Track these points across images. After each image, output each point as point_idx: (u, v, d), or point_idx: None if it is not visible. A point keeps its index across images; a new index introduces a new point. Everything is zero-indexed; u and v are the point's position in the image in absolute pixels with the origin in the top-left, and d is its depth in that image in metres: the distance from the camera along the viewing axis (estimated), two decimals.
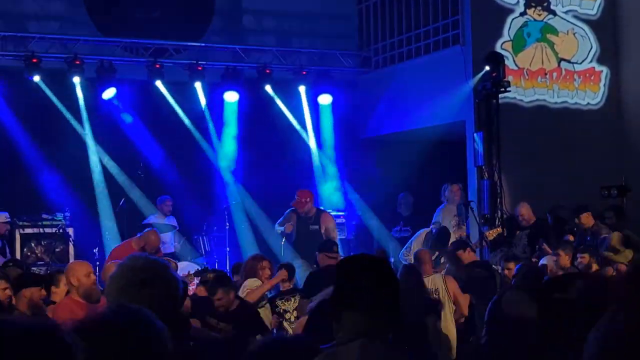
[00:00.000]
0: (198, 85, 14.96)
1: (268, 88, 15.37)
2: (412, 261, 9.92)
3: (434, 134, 14.44)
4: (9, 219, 12.43)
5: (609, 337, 2.44)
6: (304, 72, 15.58)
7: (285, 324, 9.16)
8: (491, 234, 12.08)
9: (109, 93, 14.25)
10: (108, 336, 2.15)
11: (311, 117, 15.75)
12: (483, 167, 13.59)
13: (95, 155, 14.38)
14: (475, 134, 13.69)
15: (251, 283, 9.10)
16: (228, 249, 14.10)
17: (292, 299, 9.30)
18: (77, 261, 8.75)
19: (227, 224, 14.37)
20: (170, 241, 13.46)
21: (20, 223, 12.90)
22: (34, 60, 13.61)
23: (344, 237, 14.61)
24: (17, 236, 12.83)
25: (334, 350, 2.91)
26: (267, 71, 15.34)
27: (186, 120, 15.03)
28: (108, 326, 2.18)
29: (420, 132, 14.76)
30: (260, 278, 9.16)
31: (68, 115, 14.16)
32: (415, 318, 8.40)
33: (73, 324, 2.20)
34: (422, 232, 12.10)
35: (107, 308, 2.35)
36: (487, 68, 13.56)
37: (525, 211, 12.41)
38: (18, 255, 12.43)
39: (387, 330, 2.94)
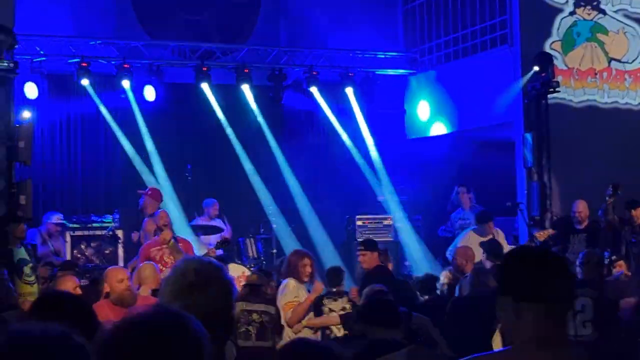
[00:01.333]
0: (245, 87, 14.99)
1: (314, 90, 15.37)
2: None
3: (482, 135, 14.33)
4: (62, 220, 12.54)
5: None
6: (351, 74, 15.55)
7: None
8: (542, 235, 11.93)
9: (149, 94, 14.36)
10: (139, 338, 2.12)
11: (358, 118, 15.69)
12: (532, 168, 13.46)
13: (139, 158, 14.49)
14: (524, 135, 13.56)
15: (290, 288, 8.94)
16: (274, 250, 14.12)
17: (340, 300, 9.27)
18: (112, 267, 8.78)
19: (275, 225, 14.38)
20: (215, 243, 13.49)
21: (71, 225, 13.03)
22: (84, 64, 13.75)
23: (391, 239, 14.58)
24: (68, 238, 12.95)
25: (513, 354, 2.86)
26: (314, 73, 15.34)
27: (228, 122, 15.05)
28: (140, 328, 2.16)
29: (468, 133, 14.66)
30: (301, 276, 9.04)
31: (108, 118, 14.26)
32: None
33: (107, 324, 2.19)
34: (469, 232, 12.03)
35: (143, 310, 2.33)
36: (536, 68, 13.44)
37: (582, 208, 12.20)
38: (68, 257, 12.56)
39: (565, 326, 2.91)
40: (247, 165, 15.08)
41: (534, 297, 2.80)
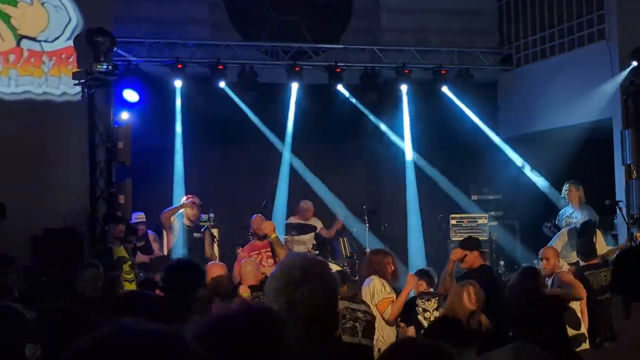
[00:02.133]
0: (340, 87, 15.04)
1: (403, 88, 15.33)
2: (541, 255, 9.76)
3: (579, 132, 14.03)
4: (143, 219, 12.70)
5: None
6: (444, 72, 15.44)
7: (424, 322, 9.18)
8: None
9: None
10: (226, 335, 2.14)
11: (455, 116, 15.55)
12: (631, 165, 13.15)
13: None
14: (622, 132, 13.25)
15: (379, 285, 8.90)
16: (367, 250, 14.10)
17: (433, 300, 9.22)
18: (212, 262, 9.02)
19: (367, 225, 14.39)
20: (311, 241, 13.58)
21: None
22: (179, 66, 13.99)
23: (485, 238, 14.41)
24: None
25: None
26: (406, 71, 15.28)
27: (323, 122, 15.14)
28: (228, 325, 2.18)
29: (564, 130, 14.37)
30: (387, 275, 9.00)
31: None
32: None
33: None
34: (564, 230, 11.82)
35: (232, 307, 2.35)
36: (635, 63, 13.13)
37: None
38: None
39: None
40: (340, 163, 15.14)
41: None
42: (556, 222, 12.88)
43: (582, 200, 12.54)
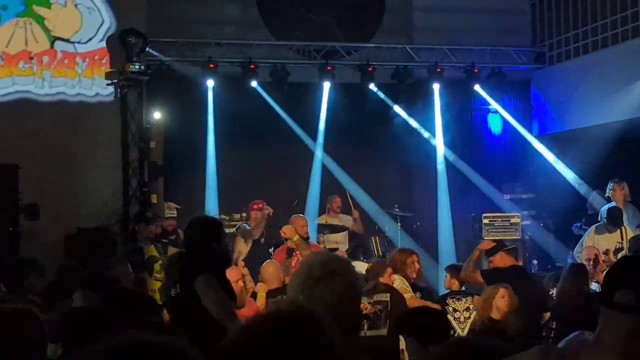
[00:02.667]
0: (372, 86, 15.02)
1: (436, 86, 15.27)
2: (582, 259, 9.62)
3: (614, 131, 13.87)
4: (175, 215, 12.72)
5: None
6: (476, 70, 15.36)
7: (454, 322, 9.10)
8: None
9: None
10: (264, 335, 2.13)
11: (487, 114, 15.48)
12: None
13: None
14: None
15: (398, 282, 8.82)
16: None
17: (464, 299, 9.14)
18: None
19: (399, 224, 14.35)
20: (344, 241, 13.53)
21: None
22: (211, 66, 14.04)
23: (518, 237, 14.28)
24: None
25: None
26: (438, 70, 15.22)
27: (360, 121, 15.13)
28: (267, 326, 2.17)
29: (600, 128, 14.21)
30: (409, 273, 8.92)
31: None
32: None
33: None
34: (593, 228, 11.66)
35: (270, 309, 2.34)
36: None
37: None
38: None
39: None
40: (372, 162, 15.11)
41: None
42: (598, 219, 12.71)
43: (627, 198, 12.37)
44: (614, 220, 11.28)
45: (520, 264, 10.38)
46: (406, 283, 8.77)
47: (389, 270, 8.53)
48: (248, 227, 11.66)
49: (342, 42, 15.47)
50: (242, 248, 11.59)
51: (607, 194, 12.49)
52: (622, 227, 11.35)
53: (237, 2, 15.43)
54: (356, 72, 15.01)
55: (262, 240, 11.96)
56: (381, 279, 8.29)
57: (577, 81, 15.00)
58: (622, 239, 11.15)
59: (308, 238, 10.96)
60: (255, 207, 12.04)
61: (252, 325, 2.18)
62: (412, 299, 8.47)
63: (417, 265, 8.96)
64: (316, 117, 15.02)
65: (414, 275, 8.92)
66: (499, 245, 9.54)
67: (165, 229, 11.73)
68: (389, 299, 7.91)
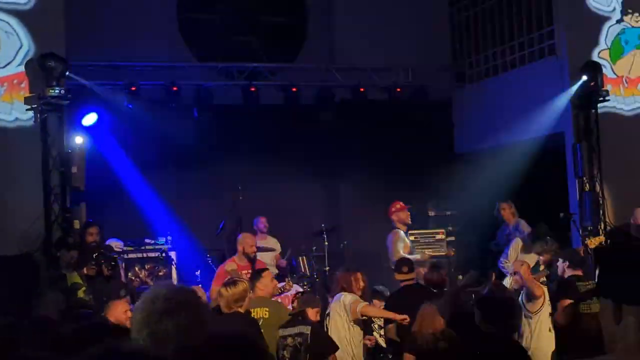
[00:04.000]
0: (292, 107, 15.10)
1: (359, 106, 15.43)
2: (511, 270, 9.81)
3: (532, 147, 14.20)
4: (122, 248, 12.67)
5: None
6: (399, 89, 15.56)
7: (374, 333, 9.34)
8: (593, 242, 11.73)
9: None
10: None
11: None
12: (584, 178, 13.32)
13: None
14: (574, 145, 13.43)
15: (349, 296, 8.95)
16: (327, 268, 14.13)
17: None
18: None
19: (326, 243, 14.41)
20: (272, 263, 13.54)
21: (125, 248, 13.19)
22: (133, 89, 13.96)
23: (444, 253, 14.48)
24: (120, 271, 13.09)
25: None
26: (361, 90, 15.38)
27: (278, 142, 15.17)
28: None
29: (518, 145, 14.54)
30: (355, 291, 9.04)
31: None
32: None
33: None
34: (518, 240, 11.93)
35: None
36: (585, 78, 13.33)
37: None
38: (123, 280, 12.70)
39: None
40: (297, 184, 15.16)
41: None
42: (497, 241, 13.09)
43: (516, 215, 12.80)
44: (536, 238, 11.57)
45: (445, 280, 10.58)
46: (356, 297, 8.88)
47: (319, 309, 8.64)
48: None
49: (266, 63, 15.53)
50: None
51: (495, 214, 12.90)
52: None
53: (158, 24, 15.37)
54: (280, 93, 15.07)
55: None
56: (309, 311, 8.41)
57: (496, 99, 15.32)
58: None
59: (255, 257, 10.99)
60: None
61: None
62: (366, 307, 8.78)
63: (361, 284, 9.08)
64: (241, 139, 15.02)
65: (359, 293, 9.04)
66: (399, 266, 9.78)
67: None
68: (309, 332, 8.01)
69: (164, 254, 13.18)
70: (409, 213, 12.76)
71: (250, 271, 10.28)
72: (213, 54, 15.50)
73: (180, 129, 14.33)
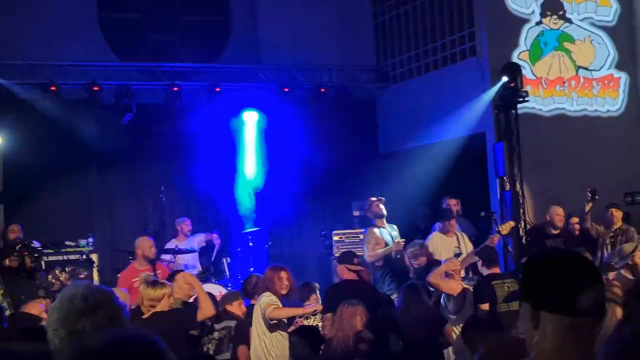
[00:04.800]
0: (217, 106, 15.00)
1: (287, 105, 15.41)
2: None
3: (454, 147, 14.37)
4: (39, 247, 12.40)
5: (617, 349, 2.43)
6: (323, 90, 15.59)
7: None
8: (505, 229, 11.90)
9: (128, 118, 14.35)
10: None
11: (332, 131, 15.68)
12: (504, 178, 13.53)
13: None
14: (495, 145, 13.64)
15: (265, 299, 8.87)
16: (252, 269, 14.08)
17: (313, 317, 9.36)
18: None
19: (251, 243, 14.37)
20: (194, 263, 13.46)
21: (45, 251, 12.94)
22: (53, 88, 13.70)
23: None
24: (42, 264, 12.86)
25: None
26: (286, 89, 15.37)
27: (203, 143, 15.06)
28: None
29: (440, 145, 14.71)
30: (278, 289, 8.99)
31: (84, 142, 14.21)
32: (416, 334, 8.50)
33: None
34: (434, 232, 12.02)
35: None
36: (505, 79, 13.54)
37: (560, 212, 12.32)
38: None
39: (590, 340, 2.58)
40: (221, 184, 15.07)
41: (558, 309, 2.57)
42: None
43: (460, 212, 12.92)
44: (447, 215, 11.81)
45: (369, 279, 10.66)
46: (273, 298, 8.80)
47: (240, 300, 8.70)
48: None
49: (189, 63, 15.40)
50: None
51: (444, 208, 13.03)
52: (458, 234, 11.80)
53: (79, 23, 15.13)
54: (204, 93, 14.96)
55: None
56: (229, 307, 8.54)
57: (419, 99, 15.46)
58: (459, 244, 11.60)
59: (155, 259, 10.91)
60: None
61: None
62: (274, 310, 8.62)
63: (286, 282, 8.99)
64: (164, 139, 14.87)
65: (284, 291, 8.94)
66: (341, 258, 9.76)
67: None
68: (233, 325, 8.00)
69: (85, 256, 12.98)
70: (380, 204, 12.64)
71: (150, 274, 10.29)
72: (135, 54, 15.31)
73: (101, 129, 14.13)
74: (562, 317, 2.54)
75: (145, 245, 10.75)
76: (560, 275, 2.57)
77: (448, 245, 11.67)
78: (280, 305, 8.72)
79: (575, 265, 2.61)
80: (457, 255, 11.24)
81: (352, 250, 13.56)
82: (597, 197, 12.25)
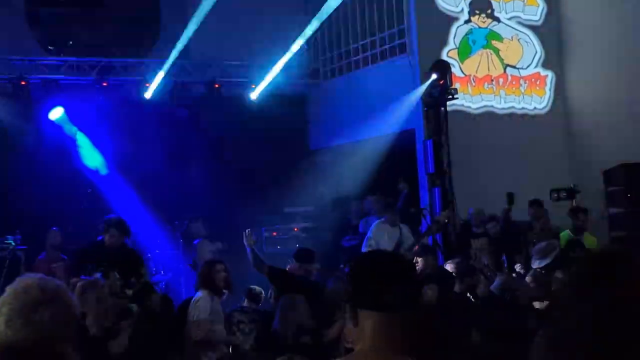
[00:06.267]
0: (146, 101, 14.87)
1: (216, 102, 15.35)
2: None
3: (384, 143, 14.48)
4: None
5: (554, 341, 2.48)
6: (253, 86, 15.55)
7: (237, 333, 9.21)
8: (443, 218, 12.14)
9: (56, 113, 14.11)
10: None
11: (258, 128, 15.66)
12: (434, 174, 13.66)
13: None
14: (425, 142, 13.76)
15: (202, 303, 8.80)
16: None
17: (248, 314, 9.32)
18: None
19: (181, 240, 14.25)
20: None
21: None
22: None
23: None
24: None
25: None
26: (216, 85, 15.30)
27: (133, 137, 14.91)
28: None
29: (370, 141, 14.79)
30: (217, 283, 8.91)
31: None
32: None
33: None
34: (377, 222, 12.15)
35: None
36: (434, 76, 13.65)
37: (476, 213, 12.54)
38: None
39: (405, 334, 2.79)
40: (153, 179, 14.94)
41: (371, 305, 2.76)
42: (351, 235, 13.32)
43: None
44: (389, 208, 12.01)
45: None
46: (207, 299, 8.71)
47: None
48: None
49: (118, 57, 15.21)
50: None
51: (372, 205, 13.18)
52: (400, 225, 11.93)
53: (4, 15, 14.81)
54: (133, 88, 14.81)
55: None
56: None
57: (350, 96, 15.53)
58: (400, 235, 11.73)
59: None
60: None
61: None
62: None
63: (223, 274, 8.92)
64: (93, 134, 14.67)
65: (222, 284, 8.88)
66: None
67: None
68: None
69: (11, 254, 12.72)
70: (380, 202, 12.75)
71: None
72: (63, 48, 15.07)
73: (29, 124, 13.90)
74: (375, 313, 2.73)
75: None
76: (370, 275, 2.79)
77: (390, 233, 11.84)
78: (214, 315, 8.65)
79: (385, 265, 2.82)
80: (399, 245, 11.49)
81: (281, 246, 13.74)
82: (513, 203, 12.56)
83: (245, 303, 9.79)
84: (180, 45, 14.41)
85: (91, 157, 14.59)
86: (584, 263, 2.55)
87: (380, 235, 11.85)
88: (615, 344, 2.30)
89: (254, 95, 15.61)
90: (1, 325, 2.81)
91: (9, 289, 2.97)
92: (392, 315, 2.74)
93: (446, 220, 12.35)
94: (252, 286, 10.33)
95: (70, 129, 14.40)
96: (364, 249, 12.03)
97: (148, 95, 14.85)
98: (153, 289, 9.61)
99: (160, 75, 14.86)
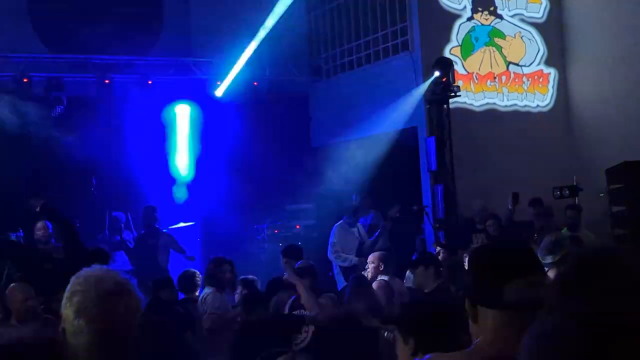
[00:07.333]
0: (149, 99, 14.87)
1: (219, 99, 15.36)
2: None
3: (386, 141, 14.47)
4: None
5: (539, 342, 2.46)
6: (255, 83, 15.56)
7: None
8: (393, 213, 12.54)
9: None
10: None
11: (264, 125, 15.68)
12: (436, 171, 13.66)
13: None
14: (427, 139, 13.76)
15: (210, 297, 8.82)
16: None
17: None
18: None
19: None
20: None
21: None
22: None
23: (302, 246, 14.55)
24: None
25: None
26: (218, 83, 15.31)
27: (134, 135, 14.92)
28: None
29: (372, 139, 14.78)
30: (221, 284, 8.94)
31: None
32: None
33: None
34: (340, 223, 12.55)
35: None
36: (437, 73, 13.64)
37: (479, 209, 12.54)
38: None
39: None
40: (152, 178, 14.95)
41: (491, 303, 2.59)
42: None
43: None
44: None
45: None
46: (216, 296, 8.74)
47: None
48: None
49: (120, 55, 15.22)
50: None
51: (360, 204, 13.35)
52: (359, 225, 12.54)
53: (7, 13, 14.84)
54: (136, 87, 14.81)
55: None
56: None
57: (352, 93, 15.52)
58: (359, 235, 12.34)
59: None
60: None
61: None
62: None
63: (228, 275, 8.97)
64: (97, 132, 14.66)
65: (226, 284, 8.94)
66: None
67: None
68: None
69: None
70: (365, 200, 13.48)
71: None
72: (66, 46, 15.08)
73: (33, 122, 13.88)
74: (496, 311, 2.55)
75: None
76: (489, 270, 2.58)
77: (352, 236, 12.47)
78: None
79: (507, 259, 2.60)
80: (361, 244, 12.22)
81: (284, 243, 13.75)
82: (518, 203, 12.54)
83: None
84: None
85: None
86: (572, 261, 2.50)
87: (342, 237, 12.31)
88: (599, 343, 2.29)
89: (256, 92, 15.60)
90: (70, 315, 2.72)
91: (75, 280, 2.85)
92: (512, 314, 2.54)
93: (397, 215, 12.60)
94: (243, 276, 10.38)
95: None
96: (330, 255, 12.20)
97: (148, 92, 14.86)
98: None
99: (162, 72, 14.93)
